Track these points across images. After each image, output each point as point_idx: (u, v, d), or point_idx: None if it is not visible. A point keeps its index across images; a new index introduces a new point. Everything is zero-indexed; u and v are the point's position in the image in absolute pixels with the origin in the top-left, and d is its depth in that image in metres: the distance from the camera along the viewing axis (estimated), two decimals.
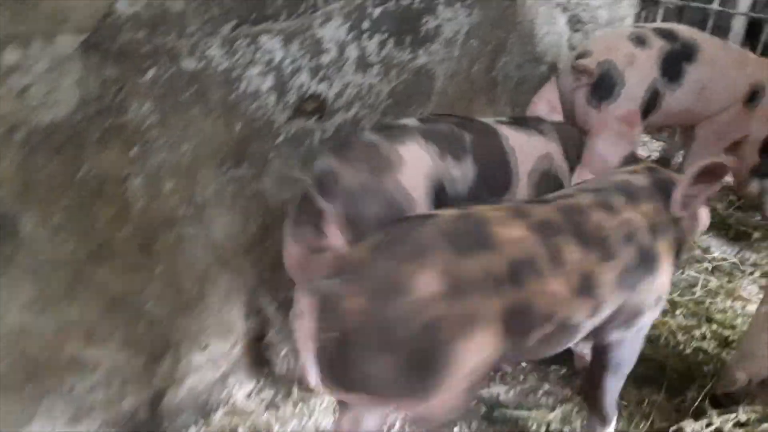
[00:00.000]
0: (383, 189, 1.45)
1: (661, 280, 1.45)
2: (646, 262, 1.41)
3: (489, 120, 1.78)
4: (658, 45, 2.18)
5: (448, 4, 1.96)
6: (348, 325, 1.16)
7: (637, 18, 3.07)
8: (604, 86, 2.12)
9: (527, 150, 1.75)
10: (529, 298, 1.26)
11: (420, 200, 1.49)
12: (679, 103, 2.26)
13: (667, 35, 2.22)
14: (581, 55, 2.17)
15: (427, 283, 1.17)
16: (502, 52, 2.34)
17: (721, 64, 2.29)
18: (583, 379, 1.82)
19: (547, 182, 1.78)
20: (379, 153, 1.49)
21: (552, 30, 2.60)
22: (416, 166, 1.50)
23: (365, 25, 1.73)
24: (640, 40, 2.17)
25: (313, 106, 1.71)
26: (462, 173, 1.59)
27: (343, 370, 1.19)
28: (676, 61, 2.20)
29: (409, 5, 1.83)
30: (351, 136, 1.65)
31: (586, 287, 1.32)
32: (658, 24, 2.57)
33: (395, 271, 1.18)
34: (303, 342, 1.20)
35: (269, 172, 1.66)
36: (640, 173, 1.54)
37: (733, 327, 2.09)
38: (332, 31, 1.67)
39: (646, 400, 1.83)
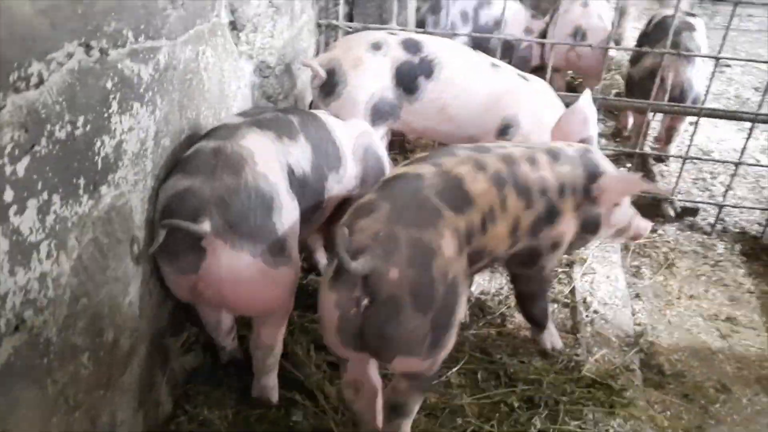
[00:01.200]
0: (248, 185, 1.48)
1: (558, 230, 1.78)
2: (550, 214, 1.74)
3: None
4: (394, 54, 2.19)
5: (123, 111, 1.34)
6: (395, 293, 1.31)
7: (317, 46, 2.75)
8: (328, 84, 2.20)
9: (345, 129, 1.93)
10: (486, 241, 1.59)
11: (281, 183, 1.57)
12: (420, 117, 2.27)
13: (410, 46, 2.21)
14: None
15: (448, 244, 1.40)
16: (197, 133, 1.78)
17: (464, 87, 2.19)
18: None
19: (370, 158, 1.96)
20: (227, 154, 1.51)
21: (242, 84, 2.11)
22: (264, 153, 1.57)
23: (7, 196, 1.03)
24: (377, 46, 2.20)
25: None
26: (301, 151, 1.70)
27: (380, 335, 1.34)
28: (412, 74, 2.20)
29: (70, 136, 1.16)
30: (188, 153, 1.57)
31: (514, 229, 1.66)
32: (415, 35, 2.33)
33: (422, 238, 1.36)
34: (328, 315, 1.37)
35: None
36: (576, 147, 1.86)
37: None
38: None
39: None
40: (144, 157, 1.45)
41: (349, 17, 2.83)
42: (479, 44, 2.80)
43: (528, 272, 1.91)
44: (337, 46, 2.29)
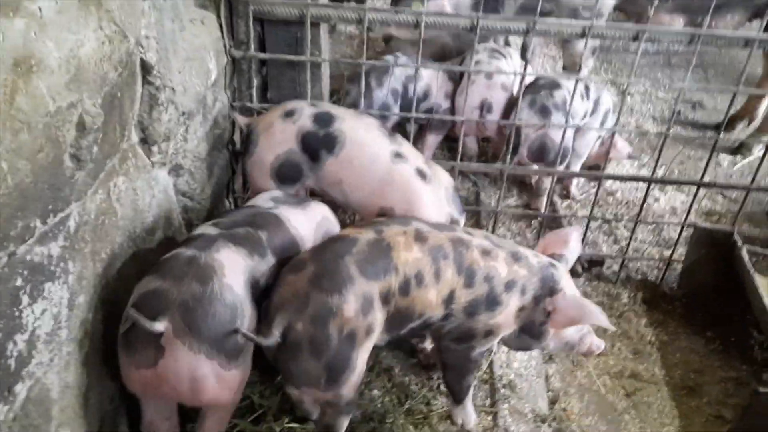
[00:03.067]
0: (213, 294, 1.64)
1: (496, 321, 1.99)
2: (491, 302, 1.96)
3: (269, 205, 2.11)
4: (301, 123, 2.30)
5: (34, 299, 1.33)
6: (297, 340, 1.70)
7: (232, 127, 2.75)
8: (245, 143, 2.40)
9: (306, 223, 2.11)
10: (411, 303, 1.88)
11: (243, 296, 1.73)
12: (323, 185, 2.37)
13: (321, 119, 2.31)
14: None
15: (349, 307, 1.73)
16: (113, 266, 1.78)
17: (358, 171, 2.29)
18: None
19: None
20: (199, 264, 1.68)
21: (156, 191, 2.10)
22: (234, 267, 1.75)
23: None
24: (288, 114, 2.33)
25: None
26: (267, 266, 1.88)
27: (289, 372, 1.78)
28: (315, 145, 2.29)
29: None
30: (167, 256, 1.75)
31: (448, 299, 1.92)
32: (333, 107, 2.43)
33: (326, 302, 1.71)
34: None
35: None
36: (541, 259, 2.08)
37: None
38: None
39: None
40: (59, 329, 1.45)
41: (265, 97, 2.84)
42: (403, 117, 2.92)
43: (458, 348, 2.06)
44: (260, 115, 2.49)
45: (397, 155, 2.32)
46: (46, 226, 1.36)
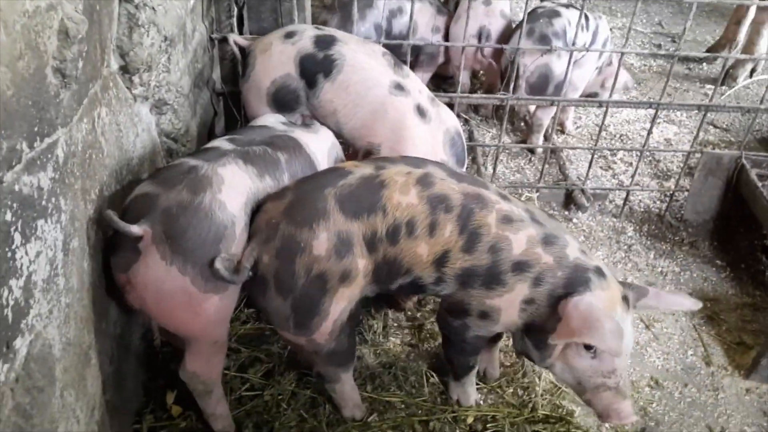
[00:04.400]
0: (201, 206, 1.52)
1: (493, 303, 1.65)
2: (490, 278, 1.62)
3: (288, 129, 1.93)
4: (301, 45, 2.12)
5: (27, 238, 1.11)
6: (264, 274, 1.57)
7: (212, 61, 2.49)
8: (243, 66, 2.23)
9: (322, 147, 1.95)
10: (399, 254, 1.61)
11: (238, 216, 1.58)
12: (319, 114, 2.18)
13: (322, 42, 2.13)
14: None
15: (320, 244, 1.54)
16: (102, 208, 1.55)
17: (353, 99, 2.09)
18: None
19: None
20: (198, 174, 1.56)
21: (140, 129, 1.87)
22: (236, 185, 1.61)
23: None
24: (288, 35, 2.16)
25: None
26: None
27: (261, 309, 1.76)
28: (312, 69, 2.12)
29: None
30: (172, 163, 1.66)
31: (441, 259, 1.62)
32: (338, 32, 2.22)
33: (294, 235, 1.54)
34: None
35: None
36: (580, 259, 1.63)
37: None
38: None
39: None
40: (56, 276, 1.23)
41: (244, 28, 2.58)
42: (392, 49, 2.68)
43: (452, 322, 1.78)
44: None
45: (398, 87, 2.13)
46: (33, 151, 1.12)
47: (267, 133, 1.85)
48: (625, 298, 1.63)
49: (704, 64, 4.52)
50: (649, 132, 2.84)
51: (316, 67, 2.10)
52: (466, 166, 2.28)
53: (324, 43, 2.11)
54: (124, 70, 1.77)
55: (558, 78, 2.81)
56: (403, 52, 2.57)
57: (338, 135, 2.20)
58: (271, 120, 2.01)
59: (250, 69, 2.17)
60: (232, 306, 1.67)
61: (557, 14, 3.00)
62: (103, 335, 1.56)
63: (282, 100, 2.15)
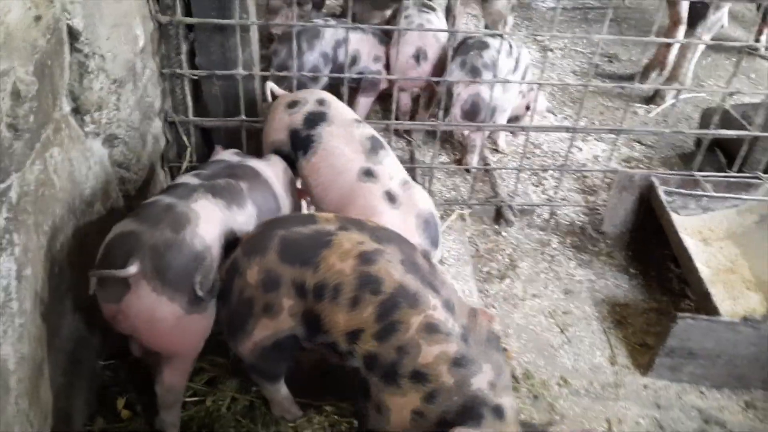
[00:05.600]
0: (185, 242, 1.73)
1: (385, 400, 1.67)
2: (389, 375, 1.64)
3: (243, 160, 2.18)
4: (294, 118, 2.33)
5: None
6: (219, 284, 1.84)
7: (163, 95, 2.70)
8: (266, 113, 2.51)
9: (275, 171, 2.21)
10: (321, 312, 1.72)
11: (215, 246, 1.81)
12: (306, 185, 2.36)
13: (310, 118, 2.31)
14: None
15: (252, 274, 1.75)
16: (55, 239, 1.76)
17: (323, 183, 2.25)
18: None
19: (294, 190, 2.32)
20: (176, 212, 1.77)
21: (92, 162, 2.07)
22: (210, 219, 1.83)
23: None
24: (292, 105, 2.37)
25: None
26: (247, 216, 1.97)
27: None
28: (297, 144, 2.32)
29: None
30: (148, 201, 1.86)
31: (353, 336, 1.69)
32: (337, 106, 2.41)
33: (240, 260, 1.78)
34: None
35: None
36: (502, 398, 1.63)
37: None
38: None
39: None
40: (9, 300, 1.44)
41: (194, 63, 2.79)
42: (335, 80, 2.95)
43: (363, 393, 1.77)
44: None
45: (368, 173, 2.18)
46: None
47: (227, 165, 2.09)
48: None
49: (636, 83, 4.83)
50: (568, 152, 3.13)
51: (299, 144, 2.28)
52: None
53: (311, 121, 2.28)
54: (76, 111, 1.98)
55: (488, 104, 3.08)
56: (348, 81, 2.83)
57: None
58: (226, 154, 2.24)
59: (265, 121, 2.44)
60: (211, 323, 1.89)
61: (486, 45, 3.27)
62: (56, 350, 1.77)
63: (284, 158, 2.35)
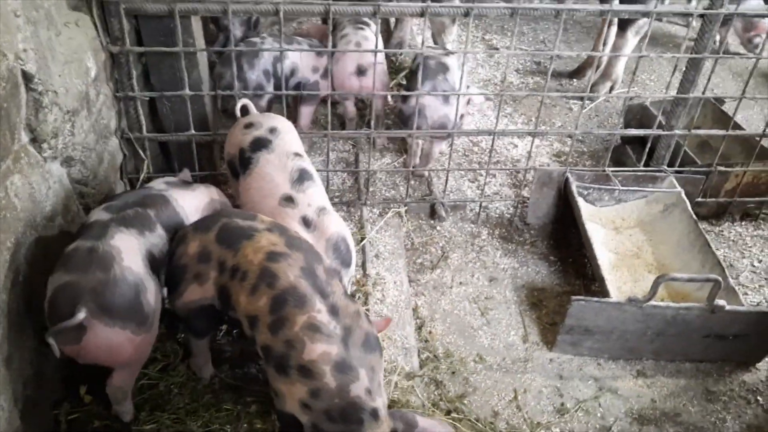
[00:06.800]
0: (116, 278, 1.98)
1: (280, 387, 1.95)
2: (280, 366, 1.91)
3: (161, 188, 2.44)
4: (244, 139, 2.67)
5: None
6: None
7: (119, 117, 3.01)
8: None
9: (194, 203, 2.48)
10: (231, 290, 2.06)
11: (143, 272, 2.09)
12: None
13: (257, 142, 2.64)
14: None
15: (192, 246, 2.17)
16: (18, 256, 2.08)
17: (252, 203, 2.54)
18: None
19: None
20: (98, 253, 2.00)
21: (51, 182, 2.38)
22: (129, 249, 2.08)
23: None
24: (248, 126, 2.73)
25: None
26: (159, 238, 2.24)
27: None
28: (241, 163, 2.66)
29: None
30: (70, 249, 2.06)
31: (251, 322, 2.00)
32: (287, 132, 2.74)
33: (187, 233, 2.23)
34: None
35: None
36: (375, 401, 1.90)
37: None
38: None
39: None
40: None
41: (149, 83, 3.09)
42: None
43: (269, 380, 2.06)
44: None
45: (288, 199, 2.46)
46: None
47: (141, 194, 2.36)
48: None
49: (574, 80, 5.18)
50: (490, 153, 3.47)
51: (243, 162, 2.62)
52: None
53: (256, 145, 2.61)
54: (34, 140, 2.28)
55: (453, 121, 3.41)
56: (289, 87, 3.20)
57: None
58: (158, 182, 2.53)
59: (228, 135, 2.78)
60: (156, 334, 2.20)
61: (447, 68, 3.53)
62: (23, 347, 2.10)
63: (233, 170, 2.72)
